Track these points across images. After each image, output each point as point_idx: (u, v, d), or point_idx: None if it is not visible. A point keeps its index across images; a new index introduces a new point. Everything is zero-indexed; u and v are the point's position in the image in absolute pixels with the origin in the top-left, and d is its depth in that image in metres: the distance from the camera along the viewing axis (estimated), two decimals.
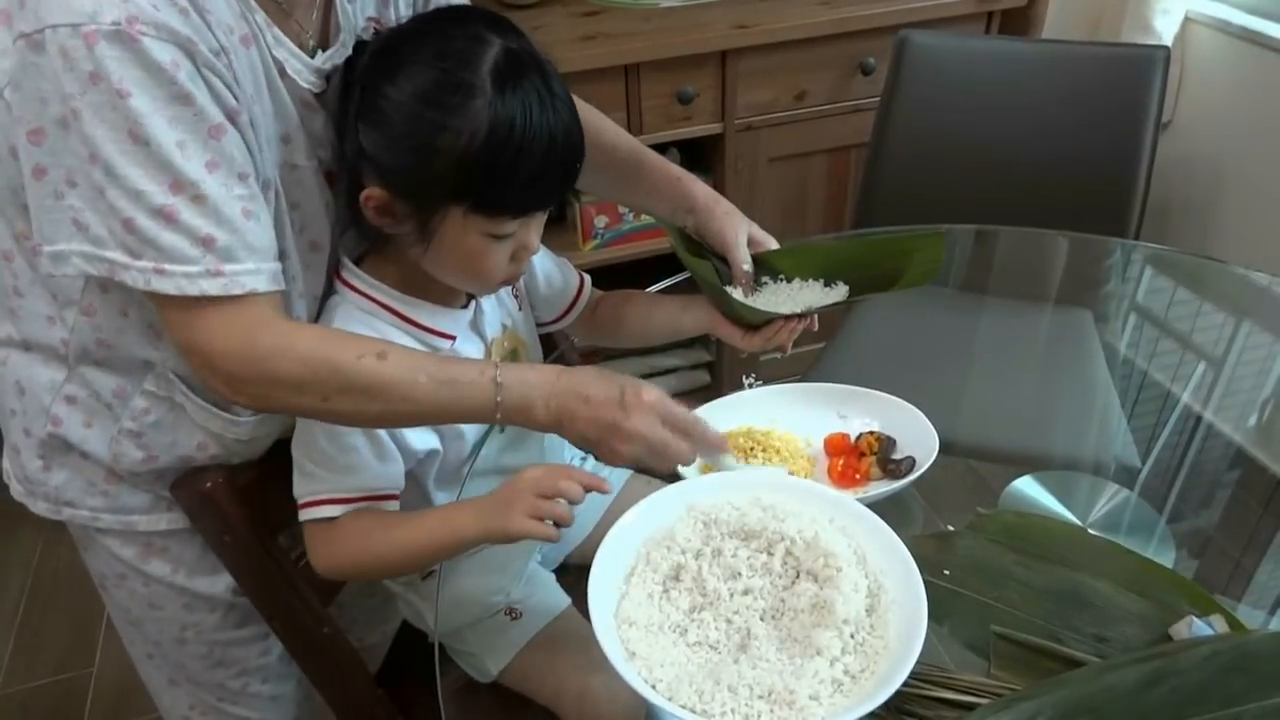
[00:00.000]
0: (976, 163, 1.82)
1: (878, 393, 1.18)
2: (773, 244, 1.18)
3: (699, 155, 2.30)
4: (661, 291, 1.33)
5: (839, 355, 1.78)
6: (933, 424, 1.11)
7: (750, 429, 1.14)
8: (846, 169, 2.33)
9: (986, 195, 1.81)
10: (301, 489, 0.98)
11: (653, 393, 0.91)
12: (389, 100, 0.88)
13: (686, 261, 1.15)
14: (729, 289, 1.13)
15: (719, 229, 1.16)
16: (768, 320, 1.12)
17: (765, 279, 1.17)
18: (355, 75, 0.92)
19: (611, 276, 1.74)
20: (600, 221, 2.25)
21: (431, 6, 1.07)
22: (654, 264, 2.21)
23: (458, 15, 0.94)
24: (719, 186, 2.24)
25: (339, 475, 0.97)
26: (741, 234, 1.16)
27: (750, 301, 1.13)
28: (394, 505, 1.00)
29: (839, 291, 1.16)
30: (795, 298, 1.14)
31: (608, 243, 2.28)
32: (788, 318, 1.12)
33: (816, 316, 1.15)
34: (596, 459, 0.94)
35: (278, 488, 1.03)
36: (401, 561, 0.96)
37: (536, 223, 0.97)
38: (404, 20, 0.99)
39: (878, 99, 1.88)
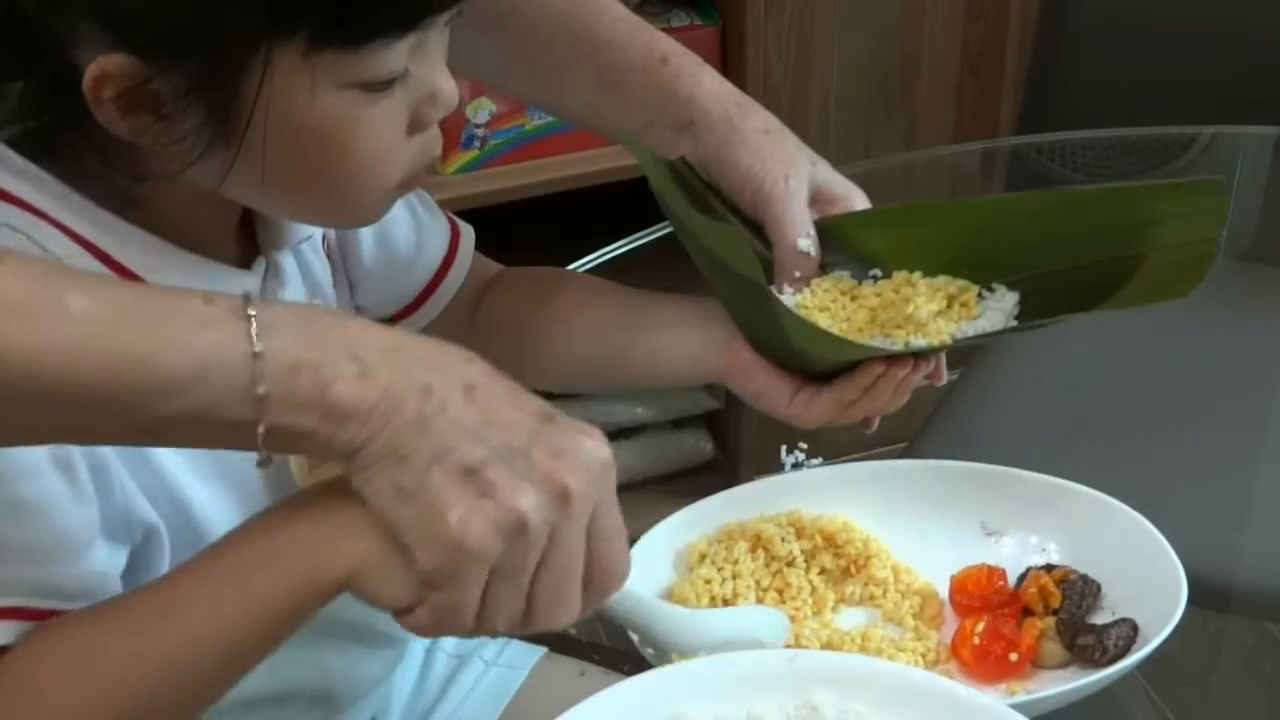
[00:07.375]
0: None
1: (1059, 481, 0.94)
2: (859, 200, 0.95)
3: None
4: (620, 273, 1.08)
5: (977, 401, 1.44)
6: (1173, 545, 0.87)
7: (797, 512, 0.94)
8: (1003, 8, 1.86)
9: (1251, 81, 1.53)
10: None
11: (603, 447, 0.70)
12: None
13: (690, 238, 0.91)
14: (773, 289, 0.92)
15: (749, 168, 0.93)
16: (850, 363, 0.90)
17: (842, 272, 0.95)
18: None
19: (505, 232, 1.26)
20: (479, 113, 1.73)
21: None
22: (599, 203, 1.61)
23: None
24: (736, 43, 1.77)
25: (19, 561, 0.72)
26: (797, 179, 0.92)
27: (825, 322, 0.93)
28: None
29: (999, 305, 0.92)
30: (908, 316, 0.94)
31: (496, 156, 1.77)
32: (891, 359, 0.89)
33: (944, 359, 0.93)
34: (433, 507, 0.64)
35: None
36: (195, 672, 0.70)
37: (437, 44, 0.78)
38: None
39: None
